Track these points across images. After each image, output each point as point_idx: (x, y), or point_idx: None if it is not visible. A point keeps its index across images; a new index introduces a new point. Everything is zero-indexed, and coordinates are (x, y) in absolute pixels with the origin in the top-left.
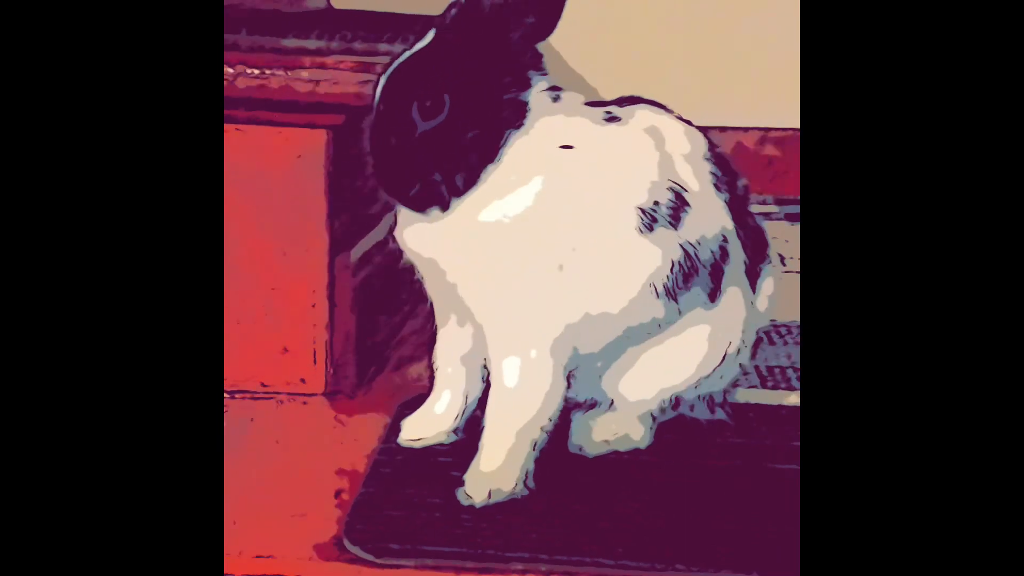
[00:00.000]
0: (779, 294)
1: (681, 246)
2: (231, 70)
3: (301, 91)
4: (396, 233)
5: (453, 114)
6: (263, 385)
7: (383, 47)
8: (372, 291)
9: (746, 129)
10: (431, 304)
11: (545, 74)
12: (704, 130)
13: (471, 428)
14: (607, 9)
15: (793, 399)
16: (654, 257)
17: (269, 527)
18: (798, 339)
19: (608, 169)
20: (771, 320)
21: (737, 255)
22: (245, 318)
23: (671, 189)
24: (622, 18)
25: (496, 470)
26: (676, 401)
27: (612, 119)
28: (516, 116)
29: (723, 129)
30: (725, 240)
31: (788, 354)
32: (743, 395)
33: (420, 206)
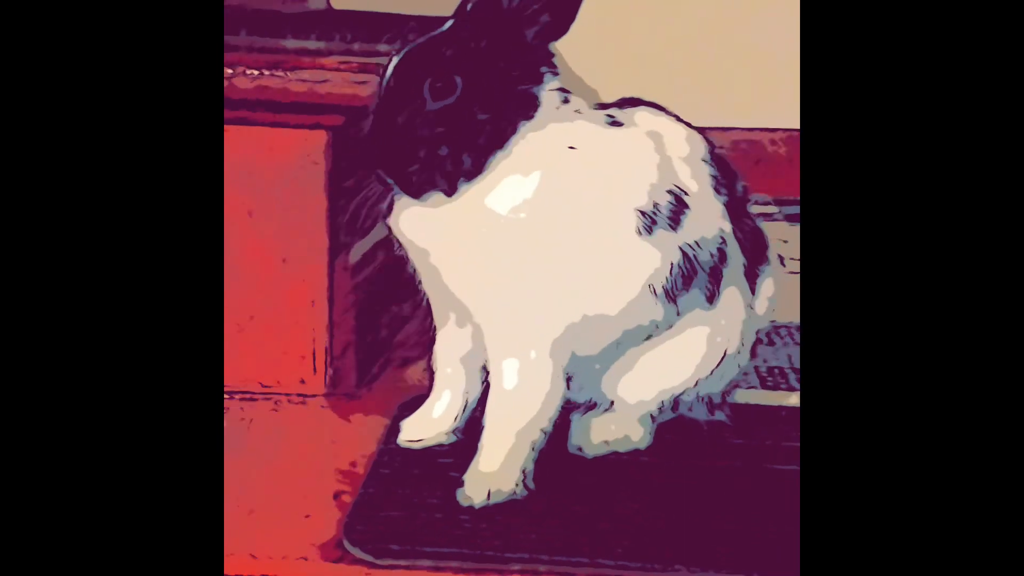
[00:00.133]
0: (779, 295)
1: (680, 248)
2: (231, 71)
3: (301, 92)
4: (391, 220)
5: (464, 97)
6: (263, 386)
7: (383, 48)
8: (372, 292)
9: (746, 129)
10: (426, 300)
11: (557, 73)
12: (704, 130)
13: (470, 429)
14: (607, 10)
15: (793, 400)
16: (653, 259)
17: (269, 528)
18: (798, 340)
19: (608, 171)
20: (771, 321)
21: (736, 257)
22: (245, 319)
23: (671, 192)
24: (622, 19)
25: (495, 471)
26: (675, 402)
27: (615, 123)
28: (527, 108)
29: (723, 129)
30: (723, 242)
31: (788, 355)
32: (743, 396)
33: (419, 189)
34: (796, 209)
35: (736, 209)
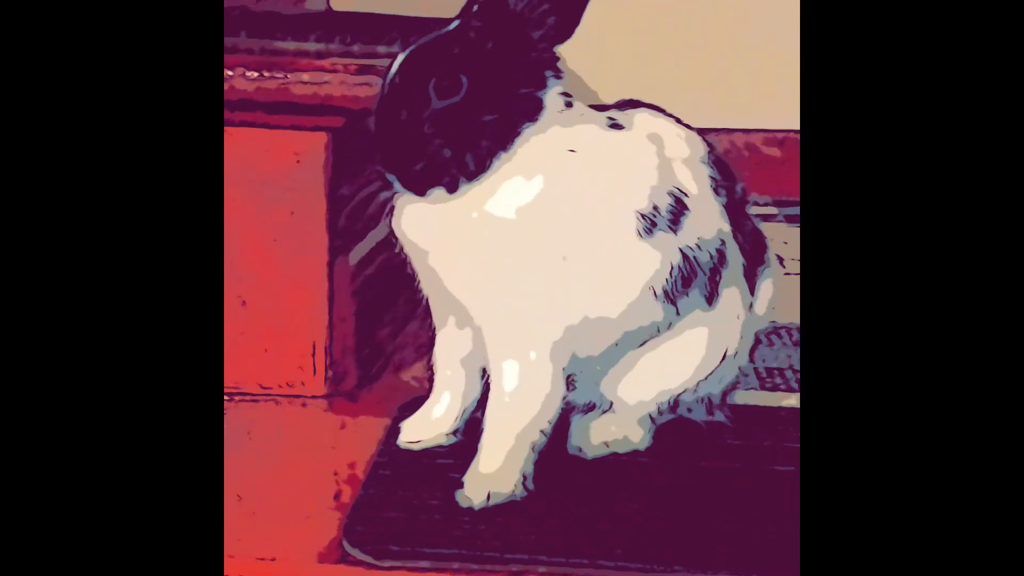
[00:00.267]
0: (779, 296)
1: (680, 250)
2: (231, 72)
3: (301, 93)
4: (392, 220)
5: (469, 96)
6: (262, 387)
7: (382, 49)
8: (372, 293)
9: (746, 131)
10: (425, 301)
11: (561, 77)
12: (704, 131)
13: (470, 430)
14: (606, 10)
15: (792, 401)
16: (653, 261)
17: (269, 529)
18: (797, 341)
19: (609, 174)
20: (770, 322)
21: (735, 258)
22: (245, 320)
23: (671, 194)
24: (622, 20)
25: (495, 472)
26: (675, 403)
27: (615, 126)
28: (532, 111)
29: (723, 131)
30: (723, 244)
31: (787, 356)
32: (742, 397)
33: (422, 186)
34: (796, 210)
35: (735, 210)
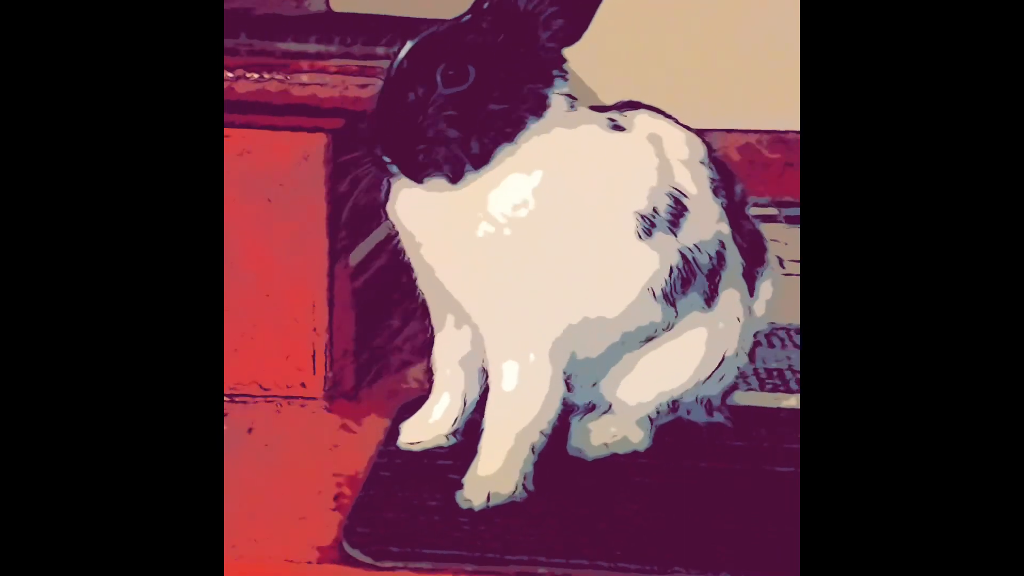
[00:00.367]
0: (778, 297)
1: (679, 251)
2: (231, 74)
3: (301, 95)
4: (388, 205)
5: (476, 87)
6: (263, 388)
7: (382, 51)
8: (371, 294)
9: (746, 131)
10: (422, 299)
11: (567, 79)
12: (704, 132)
13: (470, 431)
14: (606, 11)
15: (792, 401)
16: (652, 262)
17: (269, 530)
18: (797, 341)
19: (609, 174)
20: (770, 323)
21: (734, 259)
22: (245, 322)
23: (670, 195)
24: (621, 20)
25: (495, 473)
26: (674, 404)
27: (616, 127)
28: (537, 107)
29: (723, 131)
30: (722, 245)
31: (787, 357)
32: (742, 397)
33: (420, 172)
34: (796, 211)
35: (735, 212)
